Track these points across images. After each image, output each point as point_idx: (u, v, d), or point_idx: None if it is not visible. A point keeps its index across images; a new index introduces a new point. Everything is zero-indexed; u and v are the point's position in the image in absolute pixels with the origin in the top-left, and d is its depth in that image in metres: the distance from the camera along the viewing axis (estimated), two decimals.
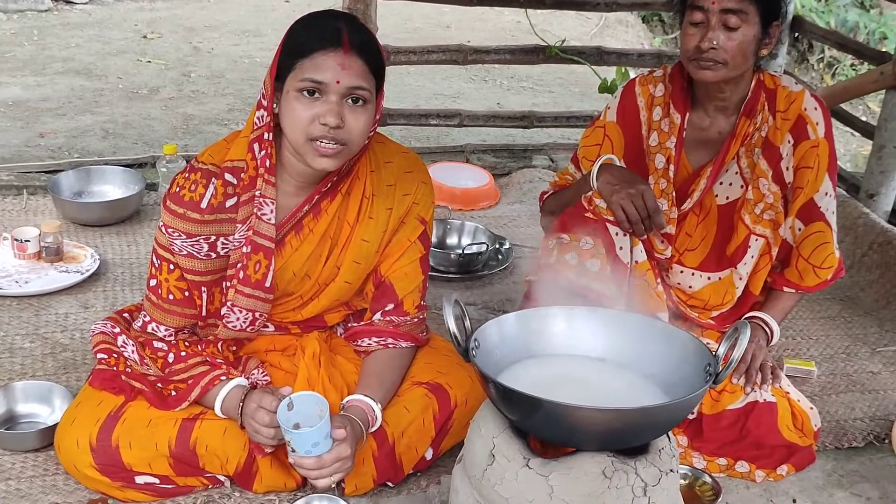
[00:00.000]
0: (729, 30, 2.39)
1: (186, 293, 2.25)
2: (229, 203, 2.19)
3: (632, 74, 3.85)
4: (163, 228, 2.22)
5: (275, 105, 2.14)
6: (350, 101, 2.07)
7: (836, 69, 8.29)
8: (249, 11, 7.80)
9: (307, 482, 2.29)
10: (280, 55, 2.11)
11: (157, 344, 2.29)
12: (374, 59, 2.12)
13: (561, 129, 4.87)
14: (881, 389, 2.94)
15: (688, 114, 2.59)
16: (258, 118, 2.16)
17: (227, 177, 2.19)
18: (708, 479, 2.40)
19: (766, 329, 2.66)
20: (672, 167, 2.59)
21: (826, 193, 2.57)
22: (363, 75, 2.08)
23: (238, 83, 6.09)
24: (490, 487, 1.84)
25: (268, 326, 2.39)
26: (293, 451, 2.06)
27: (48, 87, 5.74)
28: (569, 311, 2.05)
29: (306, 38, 2.09)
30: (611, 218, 2.43)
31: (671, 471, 1.85)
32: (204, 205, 2.18)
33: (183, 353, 2.28)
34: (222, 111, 5.58)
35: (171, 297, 2.25)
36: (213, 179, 2.19)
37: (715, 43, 2.39)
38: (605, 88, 4.41)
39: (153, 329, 2.30)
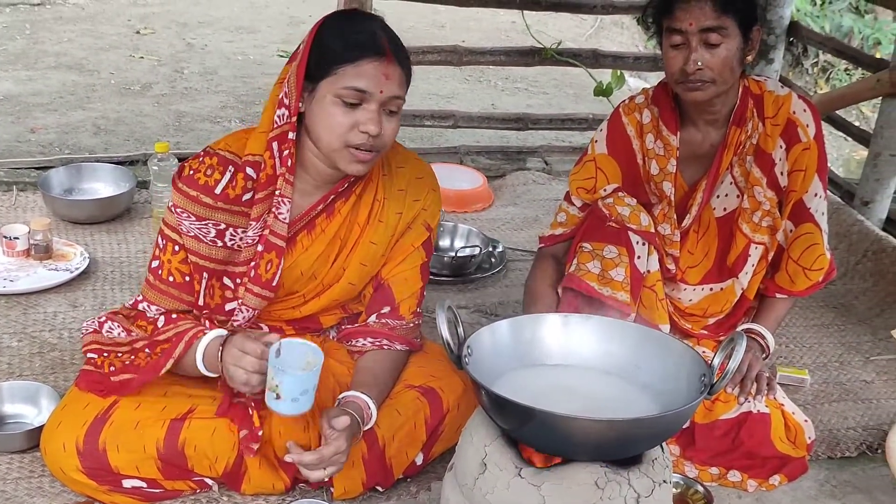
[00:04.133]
0: (711, 47, 2.36)
1: (187, 278, 2.23)
2: (246, 197, 2.18)
3: (627, 77, 3.84)
4: (172, 208, 2.20)
5: (300, 104, 2.13)
6: (388, 110, 2.10)
7: (830, 73, 8.30)
8: (243, 7, 7.75)
9: (296, 484, 2.28)
10: (312, 56, 2.10)
11: (149, 315, 2.27)
12: (409, 67, 2.15)
13: (555, 131, 4.84)
14: (874, 399, 2.92)
15: (679, 132, 2.57)
16: (279, 117, 2.15)
17: (249, 170, 2.18)
18: (700, 489, 2.38)
19: (761, 341, 2.64)
20: (671, 188, 2.57)
21: (815, 194, 2.55)
22: (402, 84, 2.12)
23: (231, 80, 6.06)
24: (481, 496, 1.82)
25: (261, 328, 2.37)
26: (277, 397, 1.97)
27: (40, 82, 5.69)
28: (563, 318, 2.03)
29: (347, 43, 2.08)
30: (633, 226, 2.42)
31: (664, 482, 1.84)
32: (218, 191, 2.16)
33: (174, 316, 2.25)
34: (215, 108, 5.54)
35: (171, 278, 2.23)
36: (232, 168, 2.17)
37: (700, 63, 2.36)
38: (601, 91, 4.39)
39: (143, 308, 2.27)
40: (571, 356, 1.99)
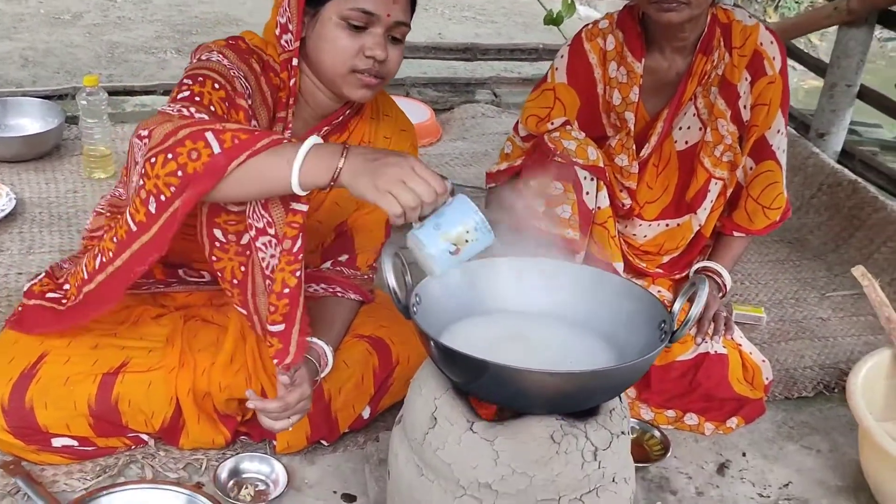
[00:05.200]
0: None
1: (226, 116, 1.89)
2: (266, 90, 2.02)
3: (577, 6, 3.70)
4: (206, 57, 1.96)
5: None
6: (392, 36, 2.02)
7: (778, 2, 8.21)
8: None
9: (236, 438, 2.18)
10: None
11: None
12: None
13: (505, 61, 4.70)
14: (831, 336, 2.88)
15: (644, 59, 2.45)
16: (285, 42, 2.03)
17: (272, 74, 2.04)
18: (657, 434, 2.32)
19: (718, 280, 2.57)
20: (633, 118, 2.46)
21: (778, 130, 2.46)
22: (407, 11, 2.04)
23: (166, 9, 5.82)
24: (431, 452, 1.72)
25: (203, 276, 2.23)
26: (455, 251, 1.63)
27: None
28: (517, 262, 1.92)
29: None
30: (580, 161, 2.32)
31: (622, 433, 1.75)
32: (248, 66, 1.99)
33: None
34: (150, 39, 5.32)
35: (211, 107, 1.85)
36: (255, 64, 2.00)
37: None
38: (551, 20, 4.23)
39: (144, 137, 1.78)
40: (525, 302, 1.88)
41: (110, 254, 1.86)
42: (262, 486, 2.09)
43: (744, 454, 2.37)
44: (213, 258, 1.89)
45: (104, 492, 1.97)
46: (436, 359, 1.71)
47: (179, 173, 1.66)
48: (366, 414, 2.22)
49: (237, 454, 2.13)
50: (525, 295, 1.89)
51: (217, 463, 2.11)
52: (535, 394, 1.63)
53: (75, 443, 2.06)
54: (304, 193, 1.68)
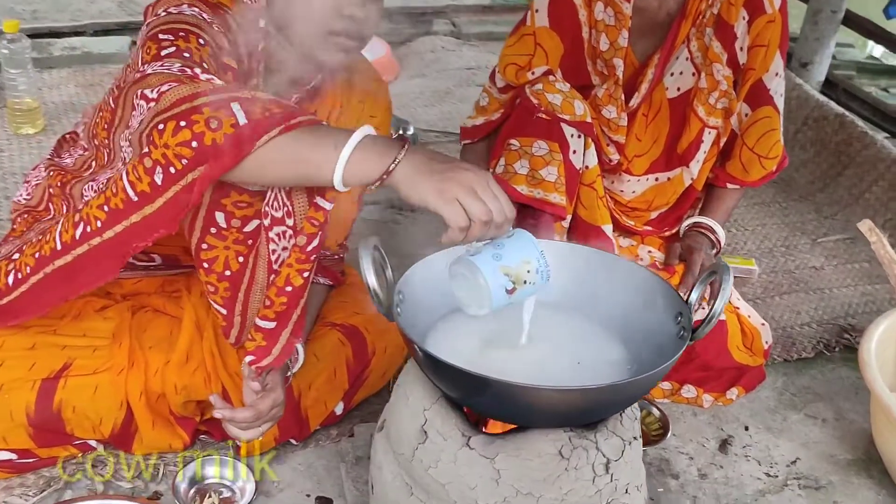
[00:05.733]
0: None
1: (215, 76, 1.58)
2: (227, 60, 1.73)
3: None
4: (170, 13, 1.66)
5: None
6: None
7: None
8: None
9: (196, 441, 1.96)
10: None
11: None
12: None
13: None
14: (826, 288, 2.71)
15: None
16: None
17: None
18: (655, 412, 2.15)
19: (712, 236, 2.37)
20: (622, 65, 2.22)
21: (776, 74, 2.25)
22: None
23: None
24: (423, 470, 1.52)
25: (153, 259, 1.98)
26: (512, 289, 1.42)
27: None
28: None
29: None
30: (566, 117, 2.09)
31: (634, 438, 1.57)
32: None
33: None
34: None
35: (203, 65, 1.58)
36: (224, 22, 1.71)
37: None
38: None
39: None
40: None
41: (98, 223, 1.58)
42: (226, 494, 1.89)
43: (746, 428, 2.21)
44: (204, 246, 1.65)
45: None
46: (426, 370, 1.50)
47: (194, 144, 1.42)
48: (339, 410, 2.01)
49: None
50: None
51: (175, 469, 1.90)
52: (543, 410, 1.43)
53: (14, 456, 1.84)
54: (344, 189, 1.45)
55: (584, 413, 1.46)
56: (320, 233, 1.58)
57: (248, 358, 1.71)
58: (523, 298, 1.46)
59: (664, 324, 1.56)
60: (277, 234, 1.61)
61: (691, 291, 1.56)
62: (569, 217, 2.19)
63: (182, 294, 1.99)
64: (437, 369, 1.44)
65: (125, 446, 1.91)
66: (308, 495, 1.92)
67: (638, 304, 1.61)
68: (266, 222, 1.61)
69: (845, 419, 2.26)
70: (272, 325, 1.67)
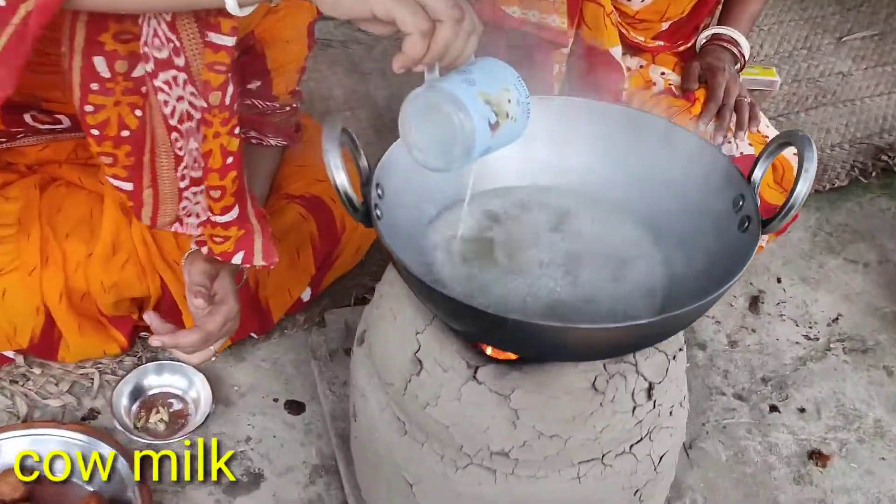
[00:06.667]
0: None
1: None
2: None
3: None
4: None
5: None
6: None
7: None
8: None
9: (134, 344, 1.63)
10: None
11: None
12: None
13: None
14: (856, 99, 2.36)
15: None
16: None
17: None
18: None
19: (735, 50, 1.98)
20: None
21: None
22: None
23: None
24: (419, 408, 1.20)
25: (59, 121, 1.56)
26: (496, 124, 1.02)
27: None
28: None
29: None
30: None
31: (679, 350, 1.25)
32: None
33: None
34: None
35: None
36: None
37: None
38: None
39: None
40: (532, 172, 1.30)
41: None
42: (177, 406, 1.58)
43: (779, 280, 1.91)
44: (88, 108, 1.23)
45: None
46: (422, 298, 1.15)
47: None
48: (306, 296, 1.68)
49: (139, 364, 1.60)
50: (530, 158, 1.30)
51: (114, 378, 1.58)
52: (573, 349, 1.10)
53: None
54: (240, 12, 1.06)
55: (622, 348, 1.13)
56: (230, 76, 1.20)
57: (204, 249, 1.36)
58: (502, 144, 1.06)
59: (719, 210, 1.22)
60: (166, 82, 1.20)
61: (754, 167, 1.21)
62: (570, 41, 1.80)
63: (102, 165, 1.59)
64: (439, 303, 1.09)
65: (50, 356, 1.59)
66: (276, 399, 1.62)
67: (684, 184, 1.25)
68: (149, 67, 1.19)
69: (890, 261, 1.97)
70: (235, 212, 1.32)
